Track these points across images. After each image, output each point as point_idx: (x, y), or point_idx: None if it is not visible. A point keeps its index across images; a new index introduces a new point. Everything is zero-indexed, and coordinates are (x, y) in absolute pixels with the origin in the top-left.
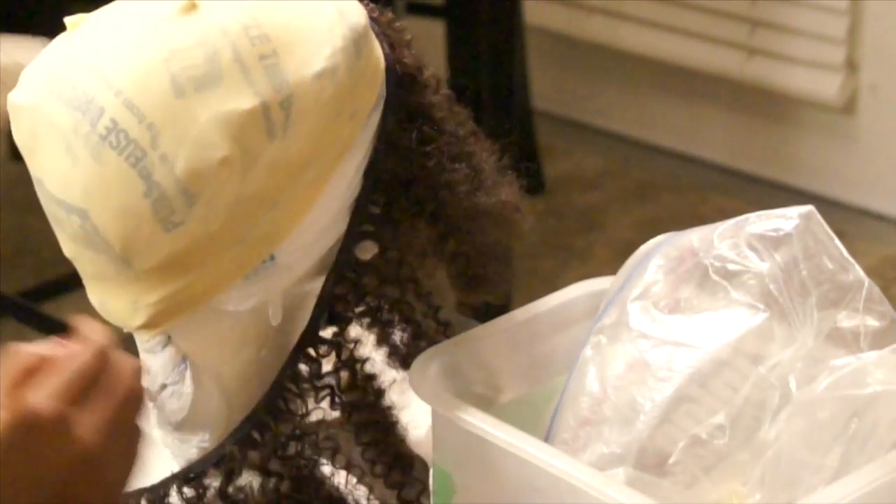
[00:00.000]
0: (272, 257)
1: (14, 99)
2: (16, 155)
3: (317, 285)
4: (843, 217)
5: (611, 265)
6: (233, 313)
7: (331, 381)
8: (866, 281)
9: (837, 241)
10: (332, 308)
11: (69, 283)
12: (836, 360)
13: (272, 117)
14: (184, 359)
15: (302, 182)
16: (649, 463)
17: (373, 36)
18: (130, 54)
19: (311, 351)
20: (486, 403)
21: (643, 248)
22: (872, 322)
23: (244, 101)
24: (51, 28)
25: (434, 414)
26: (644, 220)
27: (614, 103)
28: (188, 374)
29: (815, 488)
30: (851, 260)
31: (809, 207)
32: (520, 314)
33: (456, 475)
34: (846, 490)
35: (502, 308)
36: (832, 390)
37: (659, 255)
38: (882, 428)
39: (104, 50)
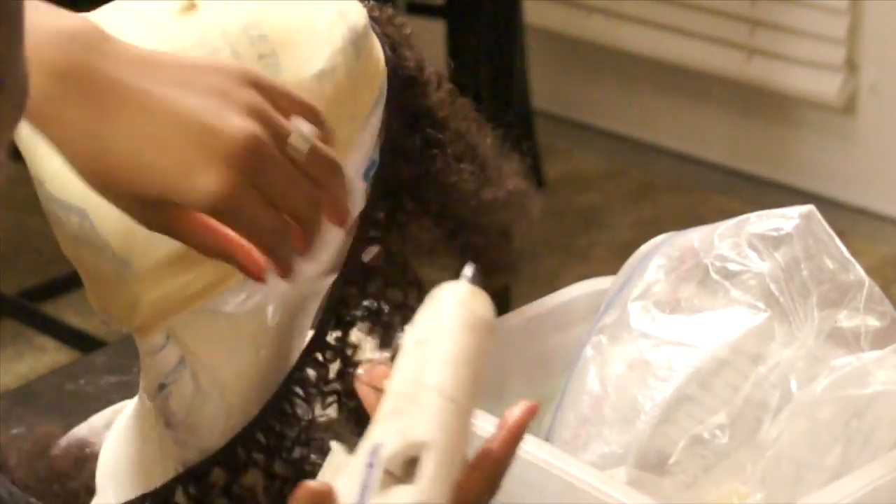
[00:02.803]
0: None
1: None
2: (16, 155)
3: (316, 286)
4: (843, 217)
5: (611, 265)
6: (231, 314)
7: (337, 386)
8: (867, 281)
9: (838, 241)
10: (337, 312)
11: (69, 283)
12: (836, 360)
13: None
14: (183, 359)
15: None
16: (650, 462)
17: (373, 36)
18: None
19: (319, 355)
20: (487, 403)
21: (643, 248)
22: (873, 322)
23: None
24: None
25: None
26: (644, 220)
27: (614, 103)
28: (187, 374)
29: (815, 488)
30: (852, 259)
31: (810, 207)
32: (520, 314)
33: None
34: (846, 490)
35: (502, 308)
36: (832, 390)
37: (659, 255)
38: (882, 428)
39: None
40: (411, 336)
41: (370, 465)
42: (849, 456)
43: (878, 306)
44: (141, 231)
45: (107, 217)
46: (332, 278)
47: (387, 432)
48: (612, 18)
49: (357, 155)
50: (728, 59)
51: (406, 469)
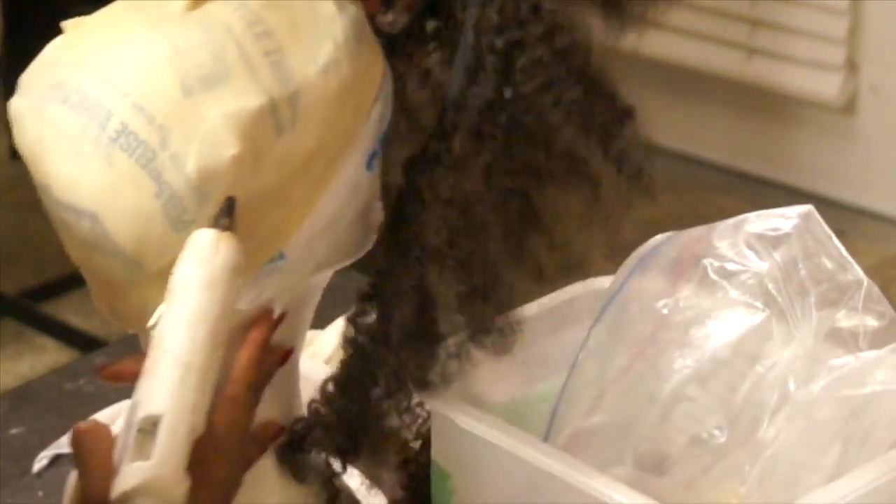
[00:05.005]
0: (282, 255)
1: (15, 106)
2: (16, 155)
3: (321, 280)
4: (843, 217)
5: (611, 265)
6: (241, 311)
7: None
8: (865, 280)
9: (836, 241)
10: None
11: (69, 283)
12: (834, 360)
13: (280, 113)
14: None
15: (309, 177)
16: (649, 462)
17: (370, 30)
18: (135, 55)
19: None
20: (486, 403)
21: (643, 248)
22: (871, 322)
23: (252, 98)
24: (54, 30)
25: (434, 414)
26: (644, 220)
27: None
28: None
29: (813, 488)
30: (851, 259)
31: (808, 207)
32: (520, 314)
33: (455, 475)
34: (845, 489)
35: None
36: (831, 390)
37: (659, 255)
38: (881, 427)
39: (107, 52)
40: (169, 285)
41: (129, 425)
42: (847, 456)
43: (877, 306)
44: (153, 232)
45: (119, 220)
46: (331, 272)
47: (141, 390)
48: None
49: (361, 146)
50: (728, 59)
51: (153, 429)
